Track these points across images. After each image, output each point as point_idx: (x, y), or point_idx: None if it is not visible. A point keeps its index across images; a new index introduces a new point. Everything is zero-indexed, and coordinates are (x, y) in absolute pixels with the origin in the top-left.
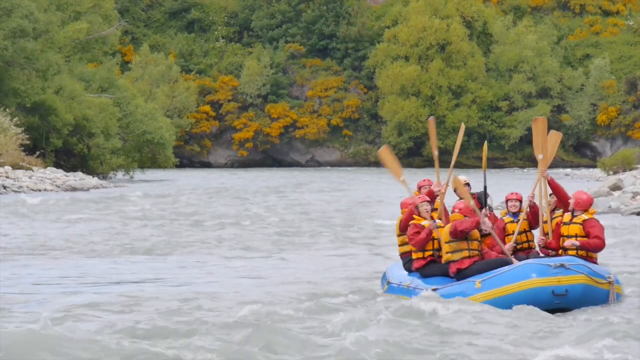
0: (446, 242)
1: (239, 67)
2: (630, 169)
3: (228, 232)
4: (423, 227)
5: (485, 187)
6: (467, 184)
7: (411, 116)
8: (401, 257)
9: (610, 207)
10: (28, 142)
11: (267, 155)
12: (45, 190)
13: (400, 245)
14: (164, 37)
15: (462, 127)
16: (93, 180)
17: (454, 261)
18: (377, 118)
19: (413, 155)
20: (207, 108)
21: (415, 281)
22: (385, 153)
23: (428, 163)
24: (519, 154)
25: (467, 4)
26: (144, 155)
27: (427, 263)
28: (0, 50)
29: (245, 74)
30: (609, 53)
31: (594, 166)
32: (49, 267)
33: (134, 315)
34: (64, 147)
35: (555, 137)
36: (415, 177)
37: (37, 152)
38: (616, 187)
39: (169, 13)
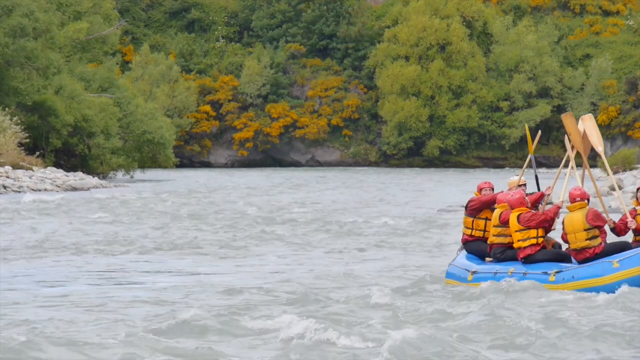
0: (584, 230)
1: (239, 67)
2: (630, 169)
3: (244, 231)
4: (535, 212)
5: (536, 177)
6: (524, 184)
7: (411, 116)
8: (491, 248)
9: (610, 207)
10: (28, 141)
11: (267, 155)
12: (45, 190)
13: (495, 236)
14: (164, 37)
15: (538, 134)
16: (93, 180)
17: (590, 247)
18: (377, 118)
19: (413, 155)
20: (208, 108)
21: (520, 267)
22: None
23: (428, 163)
24: (519, 153)
25: (467, 4)
26: (144, 155)
27: (540, 249)
28: (0, 48)
29: (245, 73)
30: (609, 53)
31: (594, 166)
32: (51, 266)
33: (139, 314)
34: (64, 147)
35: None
36: (416, 177)
37: (37, 152)
38: (617, 187)
39: (169, 13)
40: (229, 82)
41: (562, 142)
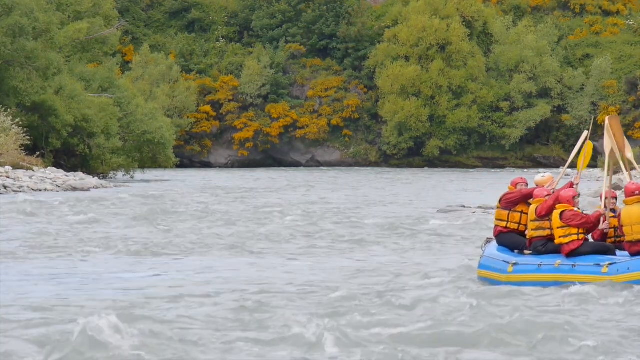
0: (638, 224)
1: (239, 67)
2: (631, 169)
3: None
4: (578, 212)
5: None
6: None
7: (411, 116)
8: (531, 241)
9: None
10: (29, 142)
11: (268, 155)
12: (45, 190)
13: (533, 230)
14: (165, 37)
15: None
16: (93, 180)
17: None
18: (378, 118)
19: (413, 155)
20: (208, 108)
21: (568, 260)
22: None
23: (428, 163)
24: (519, 154)
25: (467, 4)
26: (145, 155)
27: (583, 243)
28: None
29: (245, 74)
30: (609, 53)
31: (595, 166)
32: (52, 267)
33: (144, 315)
34: (64, 147)
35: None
36: (416, 177)
37: (38, 152)
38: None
39: (169, 13)
40: (229, 82)
41: (562, 142)
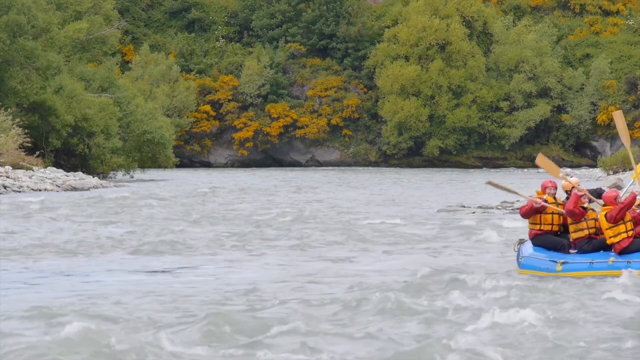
0: None
1: (239, 66)
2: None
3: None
4: (617, 206)
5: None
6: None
7: (411, 116)
8: (575, 242)
9: None
10: (29, 143)
11: (267, 155)
12: (45, 190)
13: (573, 232)
14: (164, 36)
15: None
16: (93, 180)
17: None
18: (377, 118)
19: (413, 155)
20: (208, 108)
21: (620, 257)
22: (542, 159)
23: (428, 163)
24: (519, 153)
25: (467, 4)
26: (144, 155)
27: (633, 240)
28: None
29: (245, 73)
30: (609, 53)
31: (594, 166)
32: (51, 267)
33: (145, 315)
34: (64, 147)
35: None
36: (416, 177)
37: (37, 152)
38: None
39: (169, 13)
40: (229, 82)
41: (562, 141)
